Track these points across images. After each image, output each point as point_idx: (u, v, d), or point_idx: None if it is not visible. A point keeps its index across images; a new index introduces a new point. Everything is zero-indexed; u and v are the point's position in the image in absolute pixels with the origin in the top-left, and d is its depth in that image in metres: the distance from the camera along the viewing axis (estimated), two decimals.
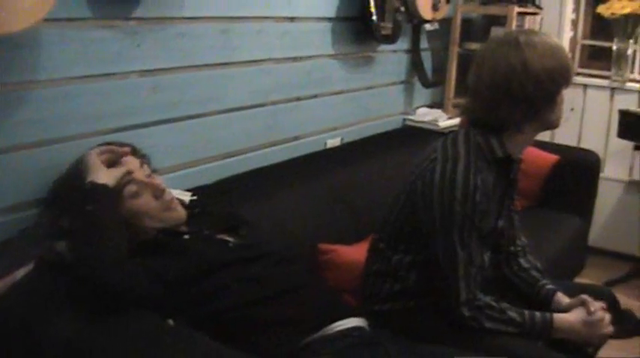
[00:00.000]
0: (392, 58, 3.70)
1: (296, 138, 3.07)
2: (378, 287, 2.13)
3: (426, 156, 2.05)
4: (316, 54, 3.09)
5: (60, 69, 2.00)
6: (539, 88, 1.90)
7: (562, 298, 2.18)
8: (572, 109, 4.31)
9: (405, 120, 3.90)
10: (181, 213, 1.98)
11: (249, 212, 2.27)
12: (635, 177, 4.24)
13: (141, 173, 1.92)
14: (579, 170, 3.65)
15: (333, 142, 3.32)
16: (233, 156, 2.73)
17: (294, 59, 2.97)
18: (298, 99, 3.04)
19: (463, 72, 2.11)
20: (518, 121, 1.97)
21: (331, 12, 3.12)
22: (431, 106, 4.12)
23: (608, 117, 4.27)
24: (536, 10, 4.26)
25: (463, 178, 1.92)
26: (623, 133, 3.75)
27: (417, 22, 3.64)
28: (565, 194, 3.58)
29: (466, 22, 4.23)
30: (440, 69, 3.99)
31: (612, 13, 4.07)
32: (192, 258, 1.84)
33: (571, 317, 2.05)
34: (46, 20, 1.80)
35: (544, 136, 3.49)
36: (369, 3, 3.13)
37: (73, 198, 1.77)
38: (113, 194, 1.79)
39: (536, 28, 4.26)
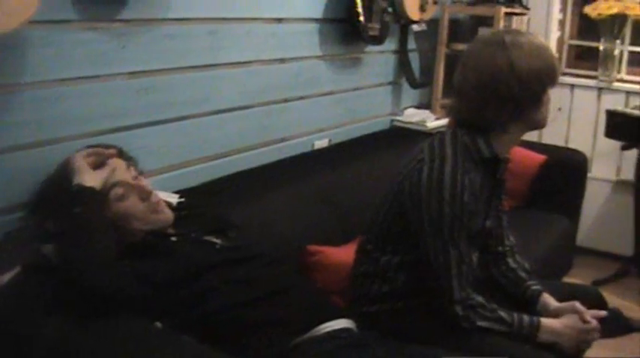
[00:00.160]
0: (379, 59, 3.71)
1: (284, 140, 3.07)
2: (366, 289, 2.13)
3: (414, 157, 2.05)
4: (304, 55, 3.09)
5: (45, 71, 1.99)
6: (525, 88, 1.91)
7: (548, 299, 2.18)
8: (559, 109, 4.33)
9: (392, 121, 3.91)
10: (168, 215, 1.98)
11: (237, 213, 2.27)
12: (623, 176, 4.26)
13: (128, 175, 1.91)
14: (567, 170, 3.66)
15: (321, 143, 3.32)
16: (221, 157, 2.72)
17: (282, 60, 2.97)
18: (286, 100, 3.03)
19: (451, 72, 2.11)
20: (505, 121, 1.97)
21: (319, 13, 3.12)
22: (419, 107, 4.13)
23: (596, 117, 4.29)
24: (524, 11, 4.28)
25: (451, 178, 1.93)
26: (610, 133, 3.76)
27: (404, 22, 3.65)
28: (553, 194, 3.58)
29: (454, 23, 4.25)
30: (427, 70, 4.00)
31: (599, 14, 4.09)
32: (179, 260, 1.84)
33: (559, 324, 2.05)
34: (31, 22, 1.79)
35: (532, 136, 3.51)
36: (356, 4, 3.13)
37: (59, 201, 1.77)
38: (100, 196, 1.78)
39: (524, 28, 4.27)
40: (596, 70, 4.33)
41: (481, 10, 4.11)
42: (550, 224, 3.43)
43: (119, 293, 1.66)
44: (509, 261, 2.29)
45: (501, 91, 1.90)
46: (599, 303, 2.26)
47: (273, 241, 2.31)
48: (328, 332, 1.85)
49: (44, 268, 1.71)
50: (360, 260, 2.21)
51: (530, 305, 2.19)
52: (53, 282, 1.66)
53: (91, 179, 1.78)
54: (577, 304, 2.10)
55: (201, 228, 2.03)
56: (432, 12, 3.77)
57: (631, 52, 4.32)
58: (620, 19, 4.10)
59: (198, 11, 2.48)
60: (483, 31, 3.98)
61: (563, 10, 4.51)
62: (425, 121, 3.81)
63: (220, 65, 2.63)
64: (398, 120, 3.90)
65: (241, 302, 1.83)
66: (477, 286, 2.05)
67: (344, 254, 2.44)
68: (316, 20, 3.12)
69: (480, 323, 1.98)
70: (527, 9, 4.33)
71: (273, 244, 2.26)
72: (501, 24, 3.90)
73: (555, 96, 2.01)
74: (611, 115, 3.74)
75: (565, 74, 4.44)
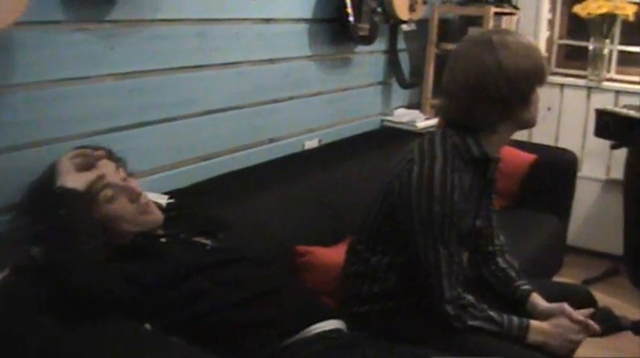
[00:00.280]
0: (369, 59, 3.71)
1: (273, 140, 3.07)
2: (357, 289, 2.13)
3: (403, 157, 2.05)
4: (293, 56, 3.09)
5: (34, 72, 1.98)
6: (513, 87, 1.91)
7: (537, 300, 2.18)
8: (549, 109, 4.34)
9: (383, 121, 3.91)
10: (158, 216, 1.97)
11: (227, 214, 2.27)
12: (612, 175, 4.27)
13: (116, 177, 1.90)
14: (557, 169, 3.67)
15: (311, 144, 3.31)
16: (211, 158, 2.72)
17: (271, 61, 2.96)
18: (276, 100, 3.03)
19: (440, 72, 2.11)
20: (494, 121, 1.98)
21: (308, 13, 3.12)
22: (409, 107, 4.13)
23: (585, 117, 4.30)
24: (513, 11, 4.28)
25: (441, 178, 1.93)
26: (599, 132, 3.77)
27: (394, 22, 3.65)
28: (543, 193, 3.59)
29: (443, 23, 4.25)
30: (417, 70, 4.00)
31: (588, 13, 4.11)
32: (169, 261, 1.83)
33: (547, 325, 2.05)
34: (19, 23, 1.78)
35: (521, 136, 3.51)
36: (345, 4, 3.13)
37: (45, 203, 1.76)
38: (84, 198, 1.77)
39: (513, 28, 4.29)
40: (585, 69, 4.34)
41: (471, 10, 4.12)
42: (540, 223, 3.43)
43: (107, 294, 1.66)
44: (499, 260, 2.29)
45: (490, 91, 1.90)
46: (589, 302, 2.26)
47: (263, 241, 2.31)
48: (318, 333, 1.85)
49: (33, 270, 1.70)
50: (350, 260, 2.20)
51: (519, 305, 2.19)
52: (42, 284, 1.66)
53: (75, 181, 1.77)
54: (565, 305, 2.10)
55: (191, 229, 2.03)
56: (421, 12, 3.77)
57: (620, 52, 4.33)
58: (609, 19, 4.12)
59: (187, 12, 2.47)
60: (473, 31, 3.98)
61: (553, 9, 4.52)
62: (415, 121, 3.81)
63: (209, 66, 2.62)
64: (388, 120, 3.90)
65: (231, 304, 1.82)
66: (468, 286, 2.05)
67: (334, 254, 2.44)
68: (305, 20, 3.12)
69: (471, 322, 1.98)
70: (517, 9, 4.33)
71: (263, 244, 2.26)
72: (491, 24, 3.91)
73: (545, 95, 2.02)
74: (601, 114, 3.75)
75: (554, 74, 4.46)
